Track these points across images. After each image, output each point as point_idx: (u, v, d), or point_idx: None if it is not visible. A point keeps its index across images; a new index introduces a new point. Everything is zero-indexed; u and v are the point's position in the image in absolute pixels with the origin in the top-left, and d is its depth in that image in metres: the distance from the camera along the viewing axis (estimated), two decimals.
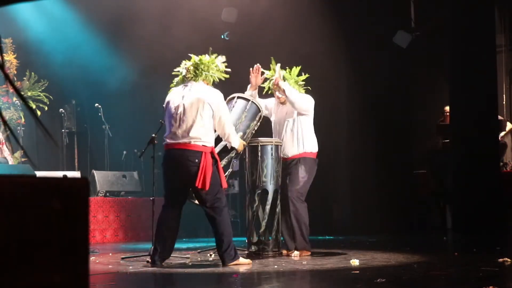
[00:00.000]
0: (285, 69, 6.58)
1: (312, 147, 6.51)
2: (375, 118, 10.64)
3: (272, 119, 6.68)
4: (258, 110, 6.24)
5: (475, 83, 8.94)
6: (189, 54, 5.74)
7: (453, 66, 9.39)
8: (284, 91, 6.35)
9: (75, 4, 10.78)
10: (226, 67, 5.72)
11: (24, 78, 10.60)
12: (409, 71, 11.24)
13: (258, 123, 6.33)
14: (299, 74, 6.60)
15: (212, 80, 5.63)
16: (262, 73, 6.50)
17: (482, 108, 8.93)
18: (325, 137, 7.92)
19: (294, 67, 6.60)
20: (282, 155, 6.49)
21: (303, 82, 6.61)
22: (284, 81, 6.49)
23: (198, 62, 5.56)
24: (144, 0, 10.53)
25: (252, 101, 6.20)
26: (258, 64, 6.42)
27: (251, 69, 6.41)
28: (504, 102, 10.85)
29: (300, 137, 6.44)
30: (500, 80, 10.13)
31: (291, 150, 6.46)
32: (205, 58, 5.59)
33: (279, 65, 6.47)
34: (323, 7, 10.31)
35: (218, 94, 5.50)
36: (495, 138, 9.14)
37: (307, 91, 6.63)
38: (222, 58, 5.70)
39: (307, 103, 6.42)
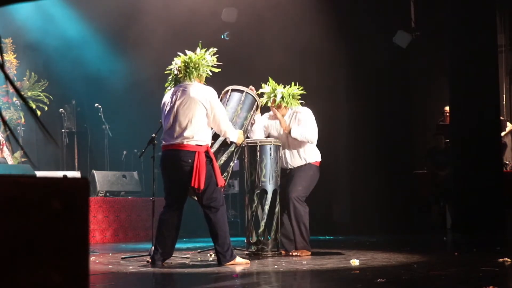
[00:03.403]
0: (284, 86, 6.51)
1: (315, 158, 6.51)
2: (375, 118, 10.65)
3: (271, 134, 6.64)
4: (254, 100, 6.20)
5: (475, 83, 8.94)
6: (185, 51, 5.75)
7: (453, 66, 9.38)
8: (295, 137, 6.35)
9: (75, 4, 10.78)
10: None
11: (24, 78, 10.61)
12: (409, 71, 11.24)
13: (256, 113, 6.32)
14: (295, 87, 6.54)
15: (204, 76, 5.64)
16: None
17: (482, 108, 8.93)
18: (325, 137, 7.91)
19: (293, 83, 6.53)
20: (285, 166, 6.49)
21: (299, 96, 6.56)
22: (282, 98, 6.43)
23: (188, 61, 5.55)
24: (144, 1, 10.54)
25: (246, 92, 6.17)
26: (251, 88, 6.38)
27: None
28: (504, 102, 10.85)
29: (301, 151, 6.45)
30: (500, 80, 10.13)
31: (293, 163, 6.48)
32: (194, 56, 5.57)
33: (279, 115, 6.40)
34: (323, 7, 10.31)
35: (211, 92, 5.48)
36: (495, 138, 9.13)
37: (301, 104, 6.57)
38: (213, 51, 5.69)
39: (315, 129, 6.39)
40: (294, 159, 6.47)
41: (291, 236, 6.41)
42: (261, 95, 6.49)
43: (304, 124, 6.39)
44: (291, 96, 6.43)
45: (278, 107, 6.45)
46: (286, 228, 6.44)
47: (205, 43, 5.78)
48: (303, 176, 6.39)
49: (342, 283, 4.35)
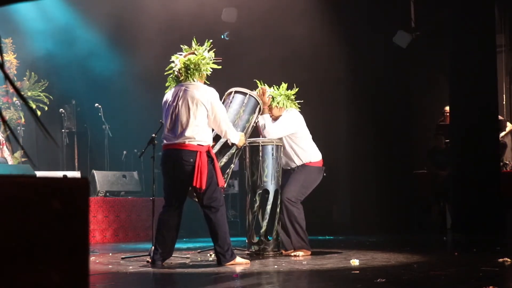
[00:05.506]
0: (272, 87, 6.52)
1: (313, 157, 6.50)
2: (375, 118, 10.65)
3: None
4: (257, 102, 6.20)
5: (475, 83, 8.94)
6: (181, 46, 5.75)
7: (453, 66, 9.38)
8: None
9: (75, 4, 10.78)
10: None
11: (24, 78, 10.60)
12: (409, 71, 11.24)
13: (258, 116, 6.31)
14: (288, 88, 6.53)
15: (205, 75, 5.63)
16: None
17: (482, 108, 8.92)
18: (325, 137, 7.92)
19: (282, 83, 6.54)
20: (283, 167, 6.50)
21: (294, 96, 6.55)
22: (273, 99, 6.44)
23: (187, 63, 5.54)
24: (144, 1, 10.54)
25: (249, 94, 6.16)
26: (263, 87, 6.37)
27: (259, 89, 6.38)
28: (504, 102, 10.85)
29: (298, 152, 6.45)
30: (500, 80, 10.13)
31: (292, 163, 6.49)
32: (193, 57, 5.55)
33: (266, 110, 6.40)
34: (323, 7, 10.31)
35: (211, 92, 5.48)
36: (495, 138, 9.13)
37: (300, 104, 6.57)
38: (208, 48, 5.67)
39: (284, 129, 6.36)
40: (290, 159, 6.48)
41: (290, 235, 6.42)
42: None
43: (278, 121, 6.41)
44: (283, 97, 6.42)
45: (270, 108, 6.45)
46: (283, 226, 6.44)
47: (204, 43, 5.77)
48: (297, 178, 6.41)
49: (342, 283, 4.35)
